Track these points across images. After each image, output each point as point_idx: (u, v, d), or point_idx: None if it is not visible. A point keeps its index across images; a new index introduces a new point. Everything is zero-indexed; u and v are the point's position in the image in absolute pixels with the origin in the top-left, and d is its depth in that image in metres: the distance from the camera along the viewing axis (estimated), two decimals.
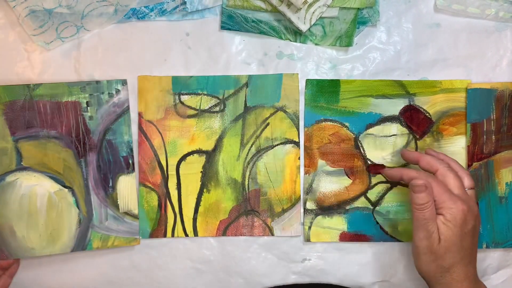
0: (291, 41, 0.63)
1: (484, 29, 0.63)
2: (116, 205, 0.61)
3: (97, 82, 0.61)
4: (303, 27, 0.60)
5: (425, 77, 0.63)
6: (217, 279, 0.63)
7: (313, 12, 0.60)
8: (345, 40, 0.62)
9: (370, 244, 0.63)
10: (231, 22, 0.62)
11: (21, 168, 0.60)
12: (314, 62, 0.63)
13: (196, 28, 0.63)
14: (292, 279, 0.63)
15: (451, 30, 0.63)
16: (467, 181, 0.55)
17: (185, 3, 0.61)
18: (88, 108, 0.61)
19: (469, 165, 0.62)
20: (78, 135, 0.60)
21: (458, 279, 0.52)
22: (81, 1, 0.61)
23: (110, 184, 0.61)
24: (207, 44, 0.63)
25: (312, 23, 0.60)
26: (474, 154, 0.62)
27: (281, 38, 0.63)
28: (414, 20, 0.63)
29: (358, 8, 0.61)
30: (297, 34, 0.62)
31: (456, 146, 0.62)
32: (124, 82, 0.61)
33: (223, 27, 0.62)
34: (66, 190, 0.60)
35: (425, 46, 0.63)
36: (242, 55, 0.63)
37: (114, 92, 0.61)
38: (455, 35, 0.63)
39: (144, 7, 0.62)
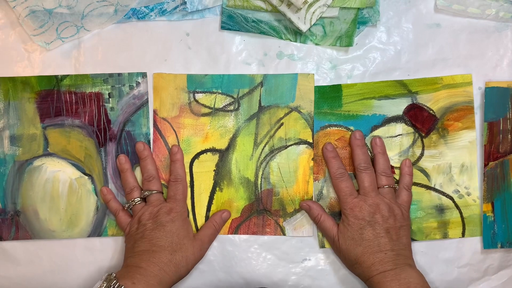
0: (291, 41, 0.63)
1: (484, 29, 0.63)
2: None
3: (119, 74, 0.62)
4: (303, 27, 0.60)
5: (425, 77, 0.63)
6: (217, 279, 0.63)
7: (313, 12, 0.60)
8: (345, 40, 0.62)
9: None
10: (231, 22, 0.62)
11: (47, 154, 0.62)
12: (315, 62, 0.63)
13: (196, 28, 0.63)
14: (292, 279, 0.63)
15: (451, 30, 0.63)
16: (381, 180, 0.60)
17: (185, 3, 0.61)
18: (110, 99, 0.62)
19: (485, 165, 0.62)
20: (100, 125, 0.62)
21: (366, 266, 0.56)
22: (81, 1, 0.61)
23: None
24: (207, 44, 0.63)
25: (312, 23, 0.60)
26: (490, 153, 0.62)
27: (281, 38, 0.63)
28: (414, 20, 0.63)
29: (358, 8, 0.61)
30: (297, 34, 0.62)
31: (463, 141, 0.62)
32: (144, 75, 0.62)
33: (223, 27, 0.62)
34: (86, 177, 0.62)
35: (425, 46, 0.63)
36: (242, 55, 0.63)
37: (134, 85, 0.62)
38: (455, 35, 0.63)
39: (144, 7, 0.62)
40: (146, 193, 0.60)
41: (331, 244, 0.61)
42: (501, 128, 0.62)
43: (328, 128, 0.63)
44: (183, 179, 0.61)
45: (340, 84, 0.62)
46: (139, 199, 0.60)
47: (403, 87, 0.62)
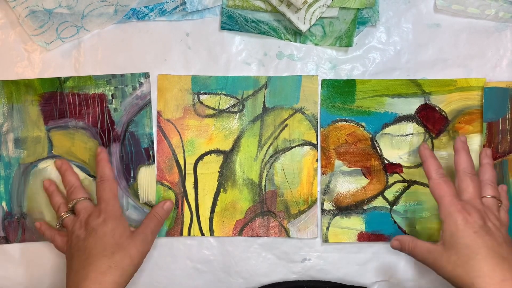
0: (291, 41, 0.63)
1: (484, 29, 0.63)
2: (136, 196, 0.63)
3: (122, 75, 0.62)
4: (303, 27, 0.60)
5: (425, 77, 0.63)
6: (217, 279, 0.63)
7: (313, 12, 0.60)
8: (345, 40, 0.62)
9: (370, 244, 0.63)
10: (231, 22, 0.62)
11: (51, 156, 0.62)
12: (314, 62, 0.63)
13: (196, 28, 0.63)
14: (292, 279, 0.63)
15: (451, 30, 0.63)
16: (487, 189, 0.55)
17: (185, 3, 0.61)
18: (113, 100, 0.62)
19: None
20: (103, 126, 0.62)
21: (495, 281, 0.47)
22: (81, 1, 0.61)
23: (132, 175, 0.63)
24: (207, 44, 0.63)
25: (312, 23, 0.60)
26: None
27: (281, 38, 0.63)
28: (414, 20, 0.63)
29: (358, 8, 0.61)
30: (297, 34, 0.62)
31: (472, 144, 0.62)
32: (147, 75, 0.62)
33: (223, 27, 0.62)
34: (91, 178, 0.63)
35: (425, 46, 0.63)
36: (242, 55, 0.63)
37: (137, 85, 0.62)
38: (455, 35, 0.63)
39: (144, 7, 0.62)
40: (71, 203, 0.58)
41: (432, 264, 0.52)
42: (500, 128, 0.62)
43: (340, 123, 0.63)
44: (109, 177, 0.59)
45: (355, 80, 0.63)
46: (66, 212, 0.58)
47: (417, 87, 0.62)
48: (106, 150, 0.61)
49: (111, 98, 0.62)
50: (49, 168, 0.62)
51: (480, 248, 0.49)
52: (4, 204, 0.62)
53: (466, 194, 0.53)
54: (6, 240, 0.62)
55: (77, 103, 0.62)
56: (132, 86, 0.62)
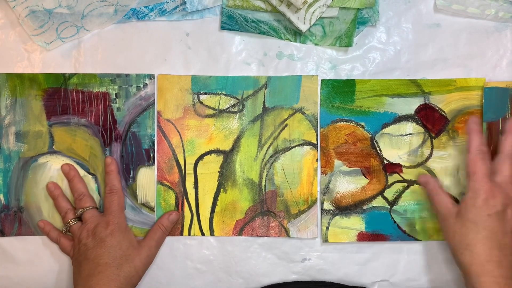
0: (291, 41, 0.63)
1: (484, 29, 0.63)
2: (134, 196, 0.63)
3: (127, 75, 0.62)
4: (303, 27, 0.60)
5: (425, 77, 0.63)
6: (217, 279, 0.63)
7: (313, 12, 0.60)
8: (345, 40, 0.62)
9: (370, 244, 0.63)
10: (231, 22, 0.62)
11: (52, 152, 0.63)
12: (314, 62, 0.63)
13: (196, 28, 0.63)
14: (292, 279, 0.63)
15: (451, 30, 0.63)
16: None
17: (185, 3, 0.61)
18: (117, 99, 0.63)
19: None
20: (105, 125, 0.63)
21: (480, 259, 0.51)
22: (81, 1, 0.61)
23: (131, 175, 0.63)
24: (207, 44, 0.63)
25: (312, 23, 0.60)
26: (490, 153, 0.62)
27: (281, 38, 0.63)
28: (414, 20, 0.63)
29: (358, 8, 0.61)
30: (297, 34, 0.62)
31: None
32: (151, 77, 0.62)
33: (223, 27, 0.62)
34: (90, 176, 0.63)
35: (425, 46, 0.63)
36: (242, 55, 0.63)
37: (142, 86, 0.62)
38: (455, 35, 0.63)
39: (144, 7, 0.62)
40: (79, 211, 0.60)
41: (442, 220, 0.57)
42: (500, 128, 0.62)
43: (339, 123, 0.63)
44: (118, 190, 0.61)
45: (354, 80, 0.63)
46: (74, 219, 0.60)
47: (417, 87, 0.62)
48: (116, 161, 0.62)
49: (114, 97, 0.62)
50: (49, 164, 0.62)
51: (484, 229, 0.52)
52: (1, 196, 0.62)
53: (499, 176, 0.55)
54: (2, 233, 0.62)
55: (80, 100, 0.62)
56: (137, 86, 0.62)
